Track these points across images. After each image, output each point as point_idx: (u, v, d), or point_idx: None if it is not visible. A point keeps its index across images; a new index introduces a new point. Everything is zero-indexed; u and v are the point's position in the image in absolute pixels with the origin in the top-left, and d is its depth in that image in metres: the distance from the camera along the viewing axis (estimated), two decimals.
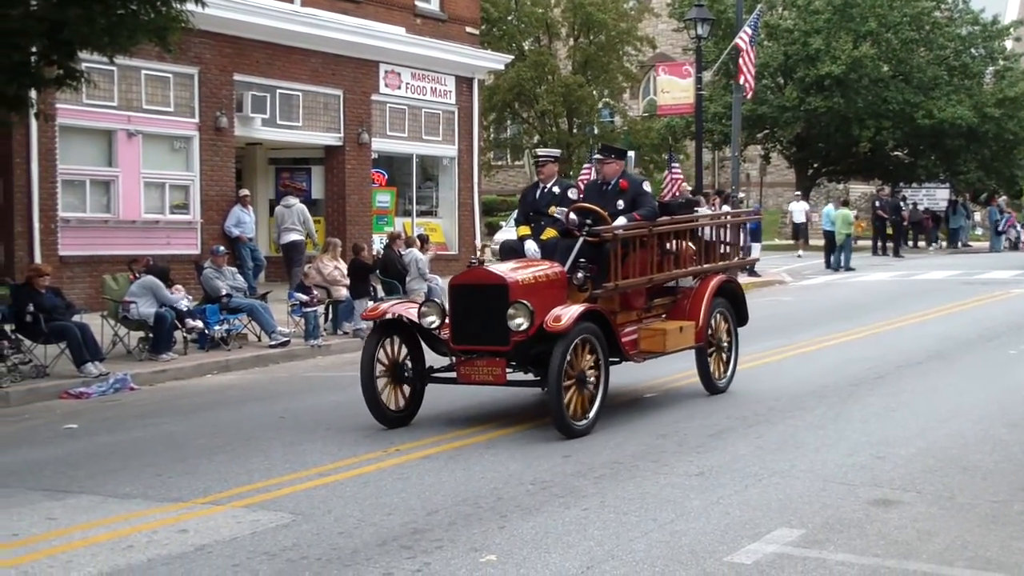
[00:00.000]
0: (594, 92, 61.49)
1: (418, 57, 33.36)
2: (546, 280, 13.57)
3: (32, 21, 15.91)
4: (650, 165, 59.46)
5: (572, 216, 14.49)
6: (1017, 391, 15.57)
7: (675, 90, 41.69)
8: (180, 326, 20.22)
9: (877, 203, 50.66)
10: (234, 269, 23.84)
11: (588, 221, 14.32)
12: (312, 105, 30.74)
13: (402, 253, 24.72)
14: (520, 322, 12.89)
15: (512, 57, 47.95)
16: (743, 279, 32.03)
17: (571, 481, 11.05)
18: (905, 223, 52.60)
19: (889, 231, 50.09)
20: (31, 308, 18.30)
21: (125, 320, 20.02)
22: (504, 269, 13.76)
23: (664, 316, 15.39)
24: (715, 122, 55.26)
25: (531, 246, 14.80)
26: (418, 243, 25.48)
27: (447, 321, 13.61)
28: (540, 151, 17.73)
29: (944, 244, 57.27)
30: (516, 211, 16.21)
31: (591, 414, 13.16)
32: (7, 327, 18.16)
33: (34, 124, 22.74)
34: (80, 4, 16.00)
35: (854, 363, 18.10)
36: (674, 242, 15.51)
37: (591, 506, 10.11)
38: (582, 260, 13.85)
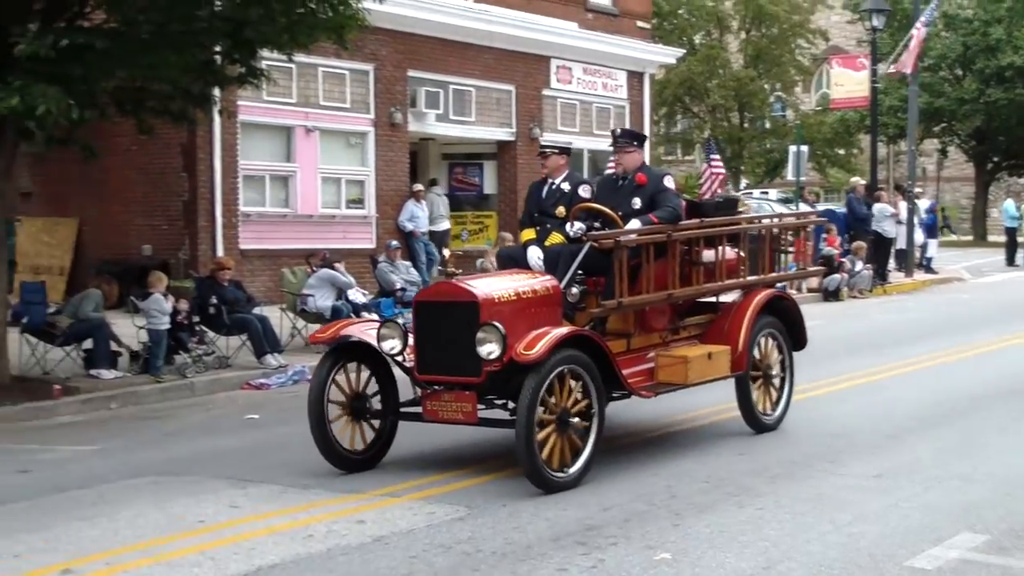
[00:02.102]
0: (765, 86, 61.11)
1: (589, 52, 33.39)
2: (533, 296, 11.25)
3: (216, 21, 16.30)
4: (822, 160, 58.76)
5: (576, 223, 12.25)
6: None
7: (849, 83, 40.89)
8: (356, 319, 20.45)
9: None
10: (408, 263, 24.15)
11: (596, 224, 12.23)
12: (484, 100, 30.91)
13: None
14: (490, 349, 10.53)
15: (683, 51, 47.79)
16: (920, 275, 31.21)
17: (745, 480, 10.99)
18: None
19: None
20: (214, 300, 18.76)
21: (303, 313, 20.36)
22: (478, 283, 11.35)
23: (698, 339, 12.92)
24: (890, 115, 54.22)
25: (534, 254, 12.37)
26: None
27: (411, 345, 11.36)
28: (544, 140, 15.41)
29: None
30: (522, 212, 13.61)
31: (577, 464, 10.76)
32: (192, 319, 18.60)
33: (217, 121, 23.23)
34: (261, 4, 16.33)
35: None
36: (706, 250, 12.76)
37: (766, 505, 10.04)
38: (580, 272, 11.71)
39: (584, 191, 12.62)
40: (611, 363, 11.15)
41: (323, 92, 26.97)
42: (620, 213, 12.14)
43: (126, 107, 17.42)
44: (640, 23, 36.30)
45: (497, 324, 10.51)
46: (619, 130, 13.42)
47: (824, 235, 31.81)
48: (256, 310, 19.44)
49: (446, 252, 12.71)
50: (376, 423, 11.80)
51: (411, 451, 12.06)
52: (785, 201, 46.12)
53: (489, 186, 32.08)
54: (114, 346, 17.77)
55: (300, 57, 20.11)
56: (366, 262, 24.57)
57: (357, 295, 20.97)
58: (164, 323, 17.66)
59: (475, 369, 10.72)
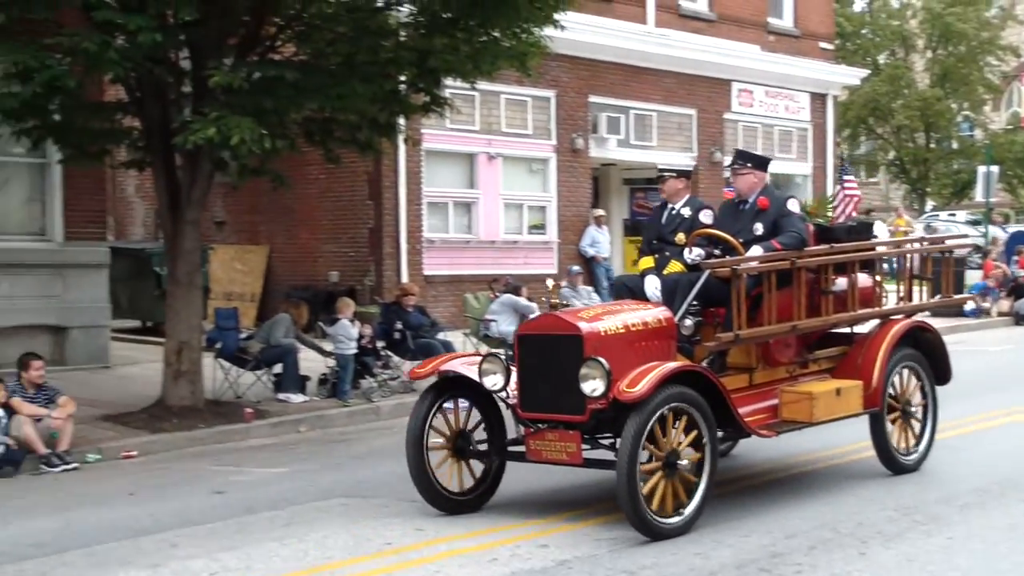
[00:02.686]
0: (952, 105, 59.81)
1: (771, 75, 33.16)
2: (644, 329, 10.57)
3: (402, 51, 16.67)
4: (1013, 180, 57.43)
5: (695, 250, 11.64)
6: None
7: None
8: None
9: None
10: (590, 288, 24.21)
11: (716, 252, 11.55)
12: (665, 125, 30.87)
13: None
14: (594, 385, 9.92)
15: (867, 72, 47.08)
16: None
17: (934, 508, 10.83)
18: None
19: None
20: (399, 326, 19.10)
21: (486, 338, 20.45)
22: (583, 315, 10.76)
23: (830, 373, 12.13)
24: None
25: (651, 284, 11.68)
26: None
27: (515, 381, 10.78)
28: (661, 164, 14.34)
29: None
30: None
31: (689, 508, 10.08)
32: (378, 344, 18.90)
33: (402, 150, 23.67)
34: (446, 34, 16.67)
35: None
36: (836, 277, 11.93)
37: (956, 535, 9.88)
38: (695, 304, 11.08)
39: (705, 216, 11.97)
40: (727, 401, 10.45)
41: (505, 119, 27.18)
42: (741, 240, 11.46)
43: (315, 137, 17.82)
44: (823, 44, 35.96)
45: (601, 359, 9.90)
46: (735, 150, 12.93)
47: (1015, 257, 31.17)
48: (440, 335, 19.68)
49: (550, 283, 11.91)
50: (482, 462, 11.28)
51: (595, 474, 12.05)
52: (973, 223, 45.23)
53: None
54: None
55: (483, 85, 20.27)
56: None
57: None
58: (352, 348, 18.02)
59: (579, 407, 10.16)
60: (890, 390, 12.13)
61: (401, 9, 17.37)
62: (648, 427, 9.70)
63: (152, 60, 15.75)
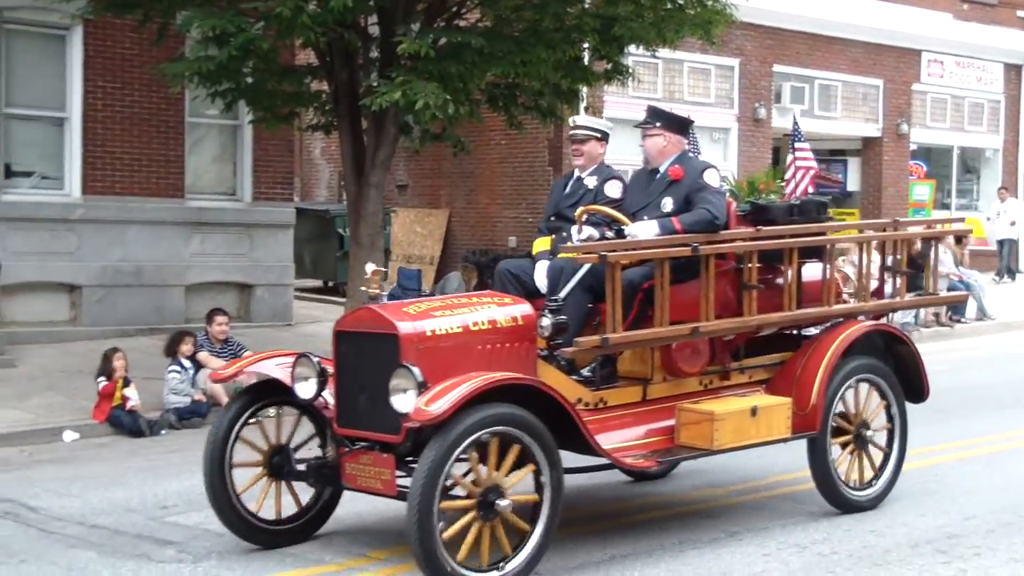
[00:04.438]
0: None
1: (963, 44, 32.58)
2: (491, 331, 8.40)
3: (587, 18, 16.66)
4: None
5: (586, 230, 9.32)
6: None
7: None
8: None
9: None
10: None
11: (609, 233, 9.21)
12: (850, 95, 30.54)
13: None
14: (405, 400, 7.75)
15: None
16: None
17: None
18: None
19: None
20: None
21: None
22: (412, 309, 8.43)
23: (765, 385, 9.83)
24: None
25: (542, 271, 9.41)
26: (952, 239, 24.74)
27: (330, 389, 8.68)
28: (578, 119, 10.57)
29: None
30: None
31: (512, 563, 7.92)
32: None
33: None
34: (631, 1, 16.64)
35: None
36: (770, 269, 9.68)
37: None
38: (556, 299, 8.71)
39: (612, 188, 9.66)
40: (578, 424, 8.15)
41: (688, 88, 27.15)
42: (646, 217, 9.26)
43: (498, 103, 18.01)
44: (1020, 12, 35.07)
45: (412, 367, 7.79)
46: (648, 107, 9.96)
47: None
48: None
49: (371, 267, 9.28)
50: (310, 484, 9.15)
51: (768, 448, 11.97)
52: None
53: (852, 183, 31.65)
54: None
55: (665, 53, 20.27)
56: None
57: None
58: None
59: (395, 426, 7.97)
60: (840, 408, 9.87)
61: None
62: (453, 456, 7.56)
63: (342, 25, 16.06)
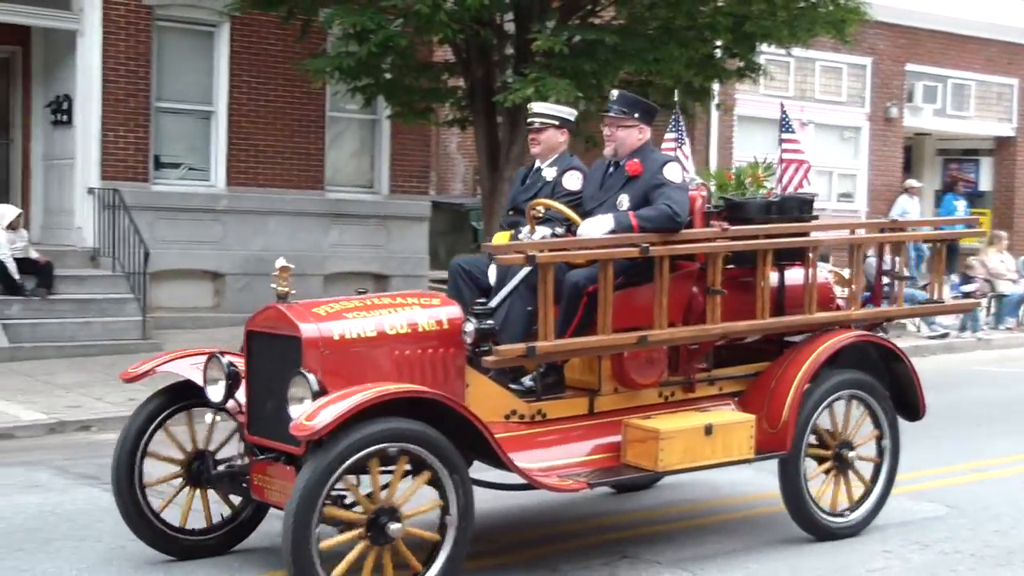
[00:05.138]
0: None
1: None
2: (411, 335, 7.45)
3: (719, 16, 16.69)
4: None
5: (540, 228, 8.36)
6: None
7: None
8: None
9: None
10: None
11: (559, 230, 8.30)
12: (984, 95, 29.95)
13: None
14: (300, 410, 6.78)
15: None
16: None
17: None
18: None
19: None
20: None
21: None
22: (323, 310, 7.46)
23: (737, 399, 8.69)
24: None
25: (494, 268, 8.43)
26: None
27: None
28: (534, 105, 9.37)
29: None
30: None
31: None
32: None
33: (714, 115, 23.52)
34: (765, 0, 16.57)
35: None
36: (743, 271, 8.53)
37: None
38: (482, 302, 7.64)
39: (570, 180, 8.68)
40: (488, 440, 7.12)
41: (819, 86, 26.85)
42: (613, 213, 8.20)
43: None
44: None
45: (307, 375, 6.93)
46: (615, 93, 8.78)
47: None
48: None
49: (280, 261, 7.56)
50: (235, 492, 8.13)
51: None
52: None
53: (985, 183, 31.04)
54: None
55: (798, 51, 20.10)
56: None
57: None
58: None
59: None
60: (825, 426, 8.83)
61: None
62: (333, 477, 6.62)
63: (478, 22, 16.19)
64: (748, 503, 9.94)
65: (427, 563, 6.99)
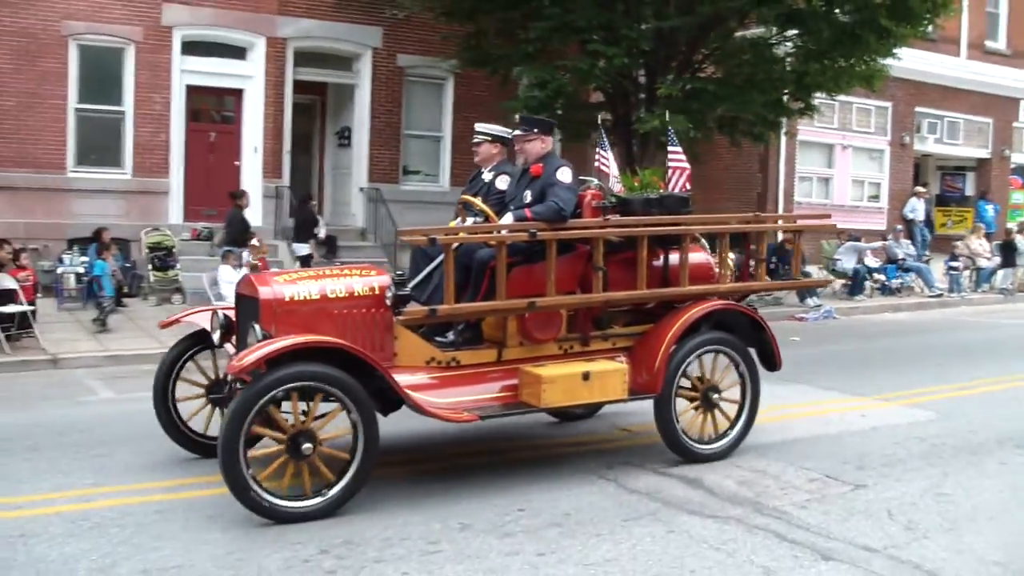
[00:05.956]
0: None
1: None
2: (348, 298, 6.79)
3: (787, 73, 16.43)
4: None
5: (470, 219, 7.75)
6: None
7: None
8: (869, 278, 19.76)
9: None
10: (908, 241, 22.94)
11: (479, 219, 7.65)
12: (969, 129, 28.58)
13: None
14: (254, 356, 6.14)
15: None
16: None
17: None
18: None
19: None
20: (774, 259, 18.64)
21: (833, 271, 19.85)
22: (281, 278, 6.91)
23: (627, 352, 7.65)
24: None
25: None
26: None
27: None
28: (477, 125, 8.40)
29: None
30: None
31: (335, 489, 6.33)
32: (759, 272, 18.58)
33: (783, 140, 22.90)
34: (817, 61, 16.39)
35: None
36: (626, 253, 7.55)
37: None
38: (401, 273, 7.18)
39: (500, 182, 7.91)
40: (388, 379, 6.43)
41: (855, 120, 25.91)
42: (512, 208, 7.47)
43: (724, 130, 17.58)
44: None
45: (256, 326, 6.42)
46: (519, 116, 8.08)
47: None
48: (806, 268, 19.15)
49: (255, 242, 7.23)
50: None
51: (900, 371, 11.21)
52: None
53: (969, 189, 29.77)
54: None
55: (841, 97, 19.49)
56: (879, 238, 23.52)
57: (871, 260, 20.27)
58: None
59: None
60: (696, 373, 7.80)
61: (787, 44, 16.89)
62: (258, 404, 6.02)
63: (621, 76, 16.01)
64: None
65: (340, 476, 6.32)
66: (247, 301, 6.83)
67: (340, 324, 6.67)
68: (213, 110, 18.98)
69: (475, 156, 8.16)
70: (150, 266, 17.08)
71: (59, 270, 16.10)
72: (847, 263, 19.65)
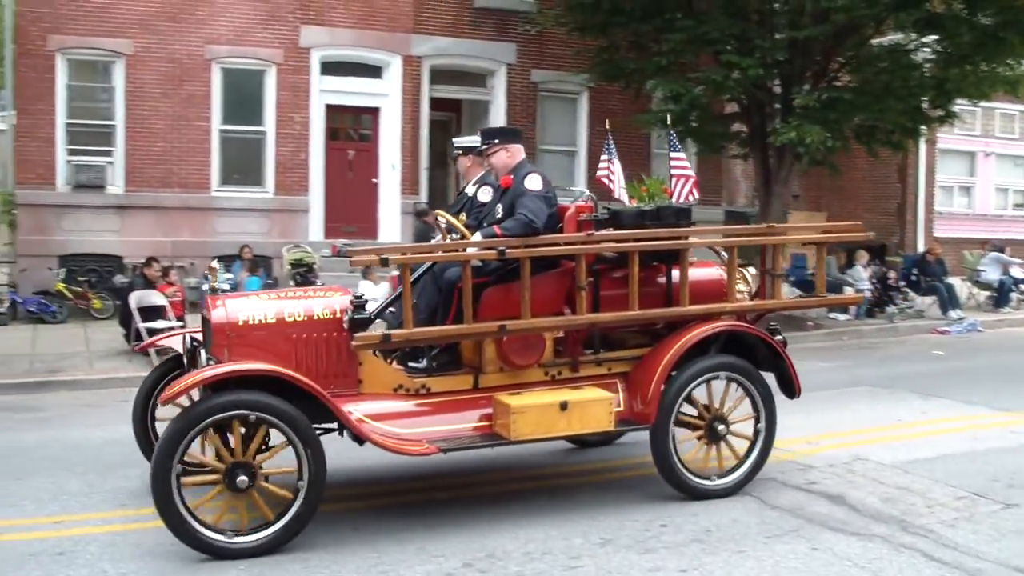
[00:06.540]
0: None
1: None
2: (308, 322, 6.28)
3: (925, 79, 16.07)
4: None
5: (453, 235, 6.96)
6: None
7: None
8: (1015, 289, 19.05)
9: None
10: None
11: (456, 236, 6.88)
12: None
13: None
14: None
15: None
16: None
17: None
18: None
19: None
20: (915, 272, 18.39)
21: (977, 283, 19.28)
22: (238, 301, 6.44)
23: (624, 378, 6.88)
24: None
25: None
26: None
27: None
28: (456, 140, 7.96)
29: None
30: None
31: (274, 527, 5.87)
32: (901, 283, 18.36)
33: (922, 148, 22.34)
34: (958, 66, 15.91)
35: None
36: (616, 269, 6.88)
37: None
38: (359, 296, 6.46)
39: (483, 194, 7.31)
40: (333, 409, 5.98)
41: (998, 126, 25.08)
42: (485, 224, 6.88)
43: (861, 139, 17.23)
44: None
45: (203, 352, 6.24)
46: (480, 131, 7.51)
47: None
48: (946, 279, 18.63)
49: (214, 263, 7.40)
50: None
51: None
52: None
53: None
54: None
55: (983, 103, 18.91)
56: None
57: (1019, 271, 19.49)
58: (866, 286, 17.50)
59: None
60: (703, 401, 7.02)
61: (925, 50, 16.44)
62: (189, 434, 5.70)
63: (756, 87, 15.83)
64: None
65: (280, 516, 5.88)
66: (206, 324, 6.39)
67: (298, 349, 6.23)
68: (351, 128, 19.51)
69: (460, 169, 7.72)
70: (292, 282, 17.61)
71: (204, 287, 16.74)
72: (991, 274, 18.97)
